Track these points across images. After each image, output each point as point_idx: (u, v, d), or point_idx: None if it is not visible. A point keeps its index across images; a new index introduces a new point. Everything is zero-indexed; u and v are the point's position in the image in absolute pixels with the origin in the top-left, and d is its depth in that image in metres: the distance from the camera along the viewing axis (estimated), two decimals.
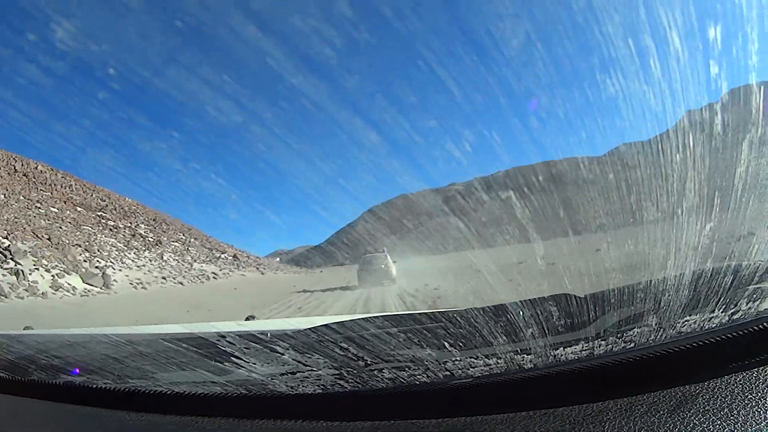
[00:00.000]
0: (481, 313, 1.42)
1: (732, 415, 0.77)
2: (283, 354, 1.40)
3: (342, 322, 1.62)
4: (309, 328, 1.59)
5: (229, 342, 1.48)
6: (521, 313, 1.33)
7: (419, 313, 1.78)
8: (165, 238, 39.13)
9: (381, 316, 1.76)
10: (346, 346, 1.38)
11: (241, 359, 1.36)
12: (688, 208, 2.24)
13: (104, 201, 41.54)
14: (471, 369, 1.15)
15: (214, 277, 31.88)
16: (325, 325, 1.58)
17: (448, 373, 1.15)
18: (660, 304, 1.27)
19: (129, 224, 38.43)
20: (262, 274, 40.13)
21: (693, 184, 2.44)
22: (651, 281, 1.47)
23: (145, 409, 1.17)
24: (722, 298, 1.17)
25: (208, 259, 39.46)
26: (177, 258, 35.02)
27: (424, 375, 1.18)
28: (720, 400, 0.80)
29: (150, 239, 36.55)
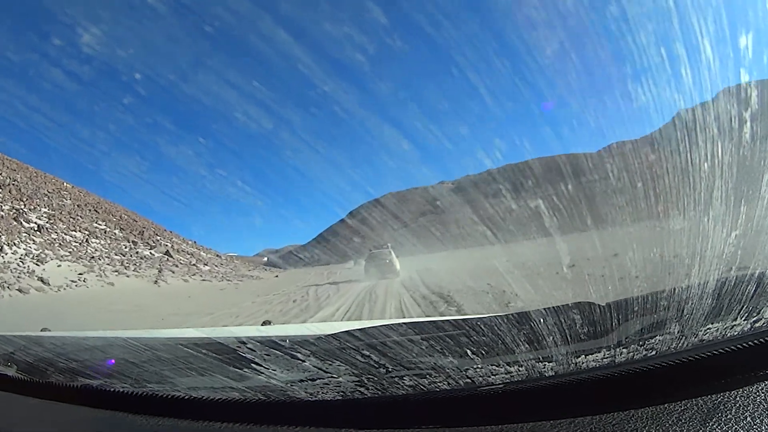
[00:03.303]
0: (504, 320, 1.41)
1: (755, 425, 0.76)
2: (303, 360, 1.41)
3: (363, 328, 1.62)
4: (330, 335, 1.59)
5: (249, 348, 1.50)
6: (543, 320, 1.32)
7: (441, 320, 1.78)
8: (63, 226, 32.57)
9: (403, 323, 1.76)
10: (367, 353, 1.38)
11: (261, 365, 1.37)
12: (714, 216, 2.21)
13: (10, 180, 35.66)
14: (492, 377, 1.15)
15: (23, 291, 19.91)
16: (347, 332, 1.58)
17: (469, 380, 1.15)
18: (682, 312, 1.25)
19: (21, 206, 32.11)
20: (155, 282, 27.66)
21: (720, 192, 2.41)
22: (673, 289, 1.46)
23: (162, 414, 1.17)
24: (745, 306, 1.15)
25: (100, 255, 30.18)
26: (33, 251, 26.47)
27: (445, 382, 1.17)
28: (743, 409, 0.79)
29: (29, 225, 30.01)
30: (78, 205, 38.62)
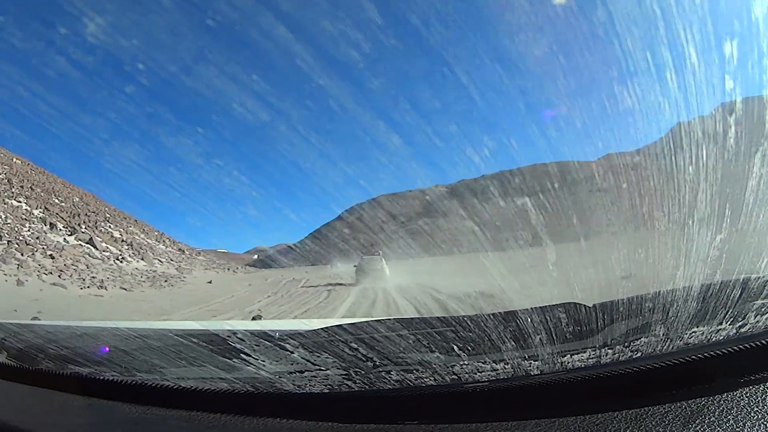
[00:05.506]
0: (491, 318, 1.42)
1: (737, 429, 0.77)
2: (292, 352, 1.41)
3: (353, 323, 1.62)
4: (320, 328, 1.60)
5: (240, 338, 1.50)
6: (530, 319, 1.33)
7: (431, 317, 1.78)
8: None
9: (393, 318, 1.76)
10: (355, 346, 1.38)
11: (251, 356, 1.37)
12: (699, 219, 2.23)
13: None
14: (478, 373, 1.15)
15: None
16: (337, 326, 1.59)
17: (455, 376, 1.15)
18: (668, 314, 1.26)
19: None
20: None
21: (704, 195, 2.43)
22: (659, 292, 1.47)
23: (150, 403, 1.18)
24: (730, 311, 1.16)
25: None
26: None
27: (432, 378, 1.18)
28: (726, 413, 0.80)
29: None
30: (8, 180, 32.44)
